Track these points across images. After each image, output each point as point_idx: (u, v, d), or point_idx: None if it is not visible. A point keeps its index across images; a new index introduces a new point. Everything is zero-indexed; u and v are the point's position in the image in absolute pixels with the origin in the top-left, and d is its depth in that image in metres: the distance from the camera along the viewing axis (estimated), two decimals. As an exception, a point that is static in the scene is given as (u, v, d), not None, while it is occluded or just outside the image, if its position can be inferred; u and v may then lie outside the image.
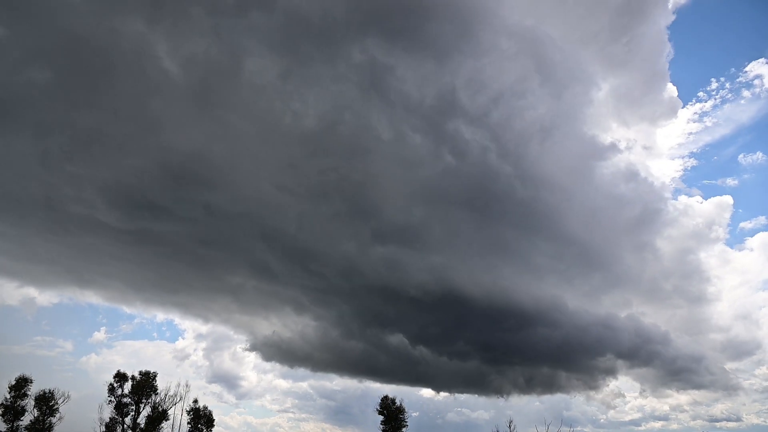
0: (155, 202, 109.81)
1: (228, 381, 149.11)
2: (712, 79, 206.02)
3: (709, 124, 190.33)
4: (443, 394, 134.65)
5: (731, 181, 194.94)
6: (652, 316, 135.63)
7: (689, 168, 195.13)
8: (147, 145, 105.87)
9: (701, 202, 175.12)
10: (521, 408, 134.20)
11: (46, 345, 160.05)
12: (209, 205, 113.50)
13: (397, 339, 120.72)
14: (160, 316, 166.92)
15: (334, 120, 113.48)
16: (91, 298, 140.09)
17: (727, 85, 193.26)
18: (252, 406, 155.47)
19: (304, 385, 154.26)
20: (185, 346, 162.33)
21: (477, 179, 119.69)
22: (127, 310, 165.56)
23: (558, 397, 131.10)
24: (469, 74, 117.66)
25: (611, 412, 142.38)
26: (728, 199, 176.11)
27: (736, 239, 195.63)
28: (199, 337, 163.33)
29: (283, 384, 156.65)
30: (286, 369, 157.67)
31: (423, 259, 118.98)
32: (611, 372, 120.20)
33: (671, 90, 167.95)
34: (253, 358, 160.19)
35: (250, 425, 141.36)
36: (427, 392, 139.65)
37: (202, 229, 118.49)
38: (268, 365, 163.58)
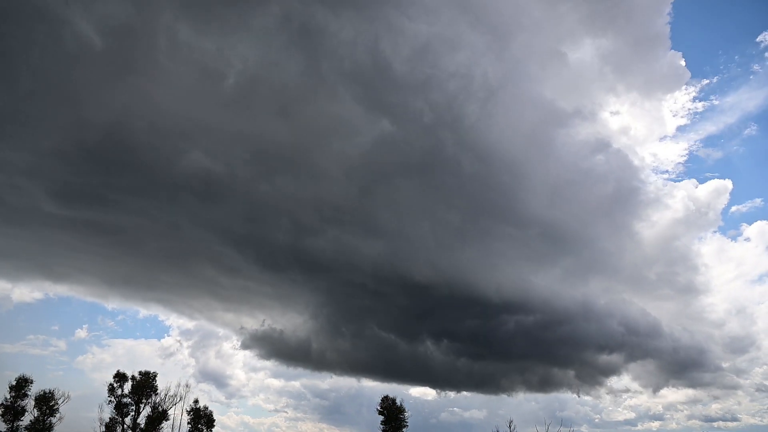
0: (87, 189, 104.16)
1: (218, 380, 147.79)
2: (720, 51, 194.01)
3: (715, 102, 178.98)
4: (434, 392, 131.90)
5: (718, 154, 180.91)
6: (635, 307, 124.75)
7: (692, 151, 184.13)
8: (66, 122, 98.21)
9: (696, 186, 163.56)
10: (515, 407, 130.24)
11: (39, 343, 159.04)
12: (143, 191, 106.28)
13: (384, 335, 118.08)
14: (143, 312, 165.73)
15: (257, 77, 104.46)
16: (66, 292, 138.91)
17: (736, 57, 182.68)
18: (245, 405, 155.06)
19: (296, 384, 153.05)
20: (171, 344, 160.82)
21: (415, 146, 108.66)
22: (107, 306, 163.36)
23: (552, 397, 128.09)
24: (390, 22, 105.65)
25: (605, 412, 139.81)
26: (727, 184, 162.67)
27: (732, 227, 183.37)
28: (186, 334, 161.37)
29: (275, 383, 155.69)
30: (277, 368, 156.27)
31: (374, 244, 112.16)
32: (606, 368, 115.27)
33: (674, 57, 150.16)
34: (241, 356, 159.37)
35: (247, 425, 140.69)
36: (415, 390, 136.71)
37: (147, 220, 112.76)
38: (258, 363, 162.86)
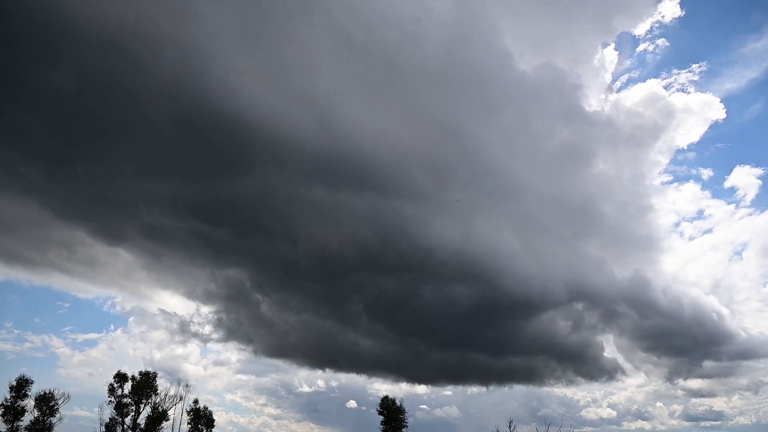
0: None
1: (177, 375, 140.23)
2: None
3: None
4: (397, 388, 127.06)
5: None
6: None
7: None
8: None
9: (666, 96, 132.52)
10: (495, 405, 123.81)
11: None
12: None
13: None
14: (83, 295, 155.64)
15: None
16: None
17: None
18: (225, 404, 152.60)
19: (267, 380, 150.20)
20: (128, 341, 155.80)
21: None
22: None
23: (533, 394, 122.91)
24: None
25: (584, 411, 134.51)
26: (714, 102, 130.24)
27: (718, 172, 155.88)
28: (144, 324, 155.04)
29: (245, 378, 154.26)
30: (244, 365, 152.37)
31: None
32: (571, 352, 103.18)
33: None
34: (197, 350, 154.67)
35: (236, 424, 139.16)
36: (375, 387, 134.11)
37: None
38: (222, 357, 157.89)
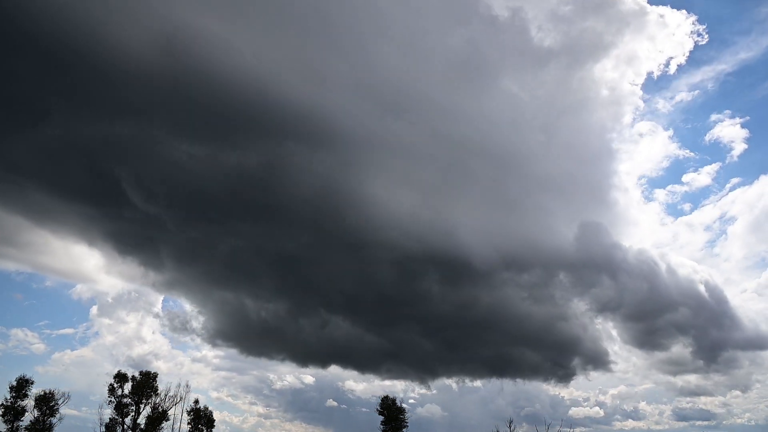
0: None
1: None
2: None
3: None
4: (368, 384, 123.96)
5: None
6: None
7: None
8: None
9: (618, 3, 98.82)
10: (481, 405, 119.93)
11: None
12: None
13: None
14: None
15: None
16: None
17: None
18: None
19: (250, 378, 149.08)
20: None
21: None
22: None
23: (519, 394, 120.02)
24: None
25: (573, 409, 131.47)
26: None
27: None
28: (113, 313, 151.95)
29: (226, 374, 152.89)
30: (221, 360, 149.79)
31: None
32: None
33: None
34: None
35: (230, 424, 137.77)
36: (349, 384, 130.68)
37: None
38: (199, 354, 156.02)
